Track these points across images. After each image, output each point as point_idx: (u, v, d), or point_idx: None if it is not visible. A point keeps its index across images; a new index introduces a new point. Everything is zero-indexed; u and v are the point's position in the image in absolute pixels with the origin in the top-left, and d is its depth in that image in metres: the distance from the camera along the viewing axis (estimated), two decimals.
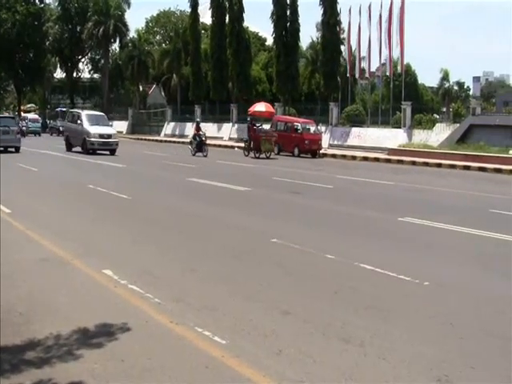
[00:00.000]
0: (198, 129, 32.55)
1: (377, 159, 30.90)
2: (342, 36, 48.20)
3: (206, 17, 58.76)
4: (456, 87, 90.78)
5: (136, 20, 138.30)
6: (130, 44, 68.76)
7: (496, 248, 9.91)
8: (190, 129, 52.92)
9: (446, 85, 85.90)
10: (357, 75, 47.74)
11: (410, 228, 11.49)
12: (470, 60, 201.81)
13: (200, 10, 59.87)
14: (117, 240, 9.68)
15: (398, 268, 7.88)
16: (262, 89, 62.04)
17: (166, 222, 11.58)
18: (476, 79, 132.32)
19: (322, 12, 45.97)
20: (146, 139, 50.62)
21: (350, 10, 44.96)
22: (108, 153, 29.98)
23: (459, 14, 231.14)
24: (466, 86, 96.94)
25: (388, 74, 44.67)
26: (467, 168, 26.56)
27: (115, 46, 73.73)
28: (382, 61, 43.75)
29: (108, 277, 7.25)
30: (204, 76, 56.86)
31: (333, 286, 7.19)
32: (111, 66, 72.42)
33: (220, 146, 41.18)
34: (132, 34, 71.60)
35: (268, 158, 30.68)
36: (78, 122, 31.18)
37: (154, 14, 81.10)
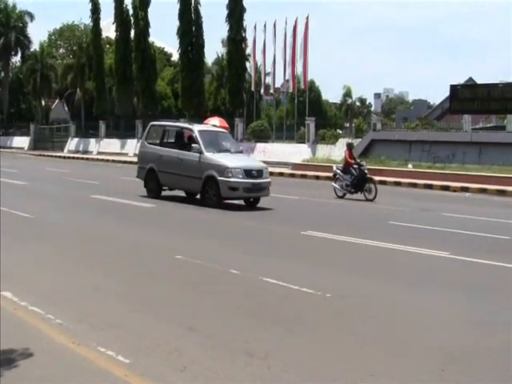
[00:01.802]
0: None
1: (281, 174, 31.36)
2: (247, 52, 48.79)
3: (111, 31, 58.11)
4: (358, 103, 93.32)
5: (39, 32, 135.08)
6: (32, 57, 66.88)
7: (394, 258, 10.29)
8: (94, 145, 52.16)
9: (349, 101, 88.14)
10: (262, 91, 48.50)
11: (312, 241, 11.75)
12: (371, 77, 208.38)
13: (105, 24, 59.23)
14: (17, 260, 9.38)
15: (301, 281, 8.04)
16: (167, 104, 61.82)
17: (68, 240, 11.32)
18: (377, 96, 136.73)
19: (227, 28, 46.46)
20: (48, 155, 49.30)
21: (255, 26, 45.61)
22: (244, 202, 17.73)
23: (362, 32, 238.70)
24: (367, 103, 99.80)
25: (292, 90, 45.55)
26: None
27: (16, 59, 71.67)
28: (287, 77, 44.58)
29: (7, 299, 7.02)
30: (109, 91, 56.16)
31: (237, 301, 7.27)
32: (12, 80, 70.19)
33: (125, 162, 40.65)
34: (35, 46, 69.75)
35: None
36: (194, 145, 17.16)
37: (57, 27, 79.54)
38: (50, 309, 6.60)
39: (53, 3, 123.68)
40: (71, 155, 49.45)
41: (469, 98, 33.47)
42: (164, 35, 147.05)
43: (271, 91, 47.98)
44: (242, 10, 46.01)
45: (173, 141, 18.70)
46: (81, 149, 53.03)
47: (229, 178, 16.32)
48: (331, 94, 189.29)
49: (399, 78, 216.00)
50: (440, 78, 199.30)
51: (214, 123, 34.77)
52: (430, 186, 25.75)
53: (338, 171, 20.31)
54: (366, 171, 19.78)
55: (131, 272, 8.72)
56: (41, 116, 66.24)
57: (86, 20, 62.48)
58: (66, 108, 66.86)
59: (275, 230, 13.17)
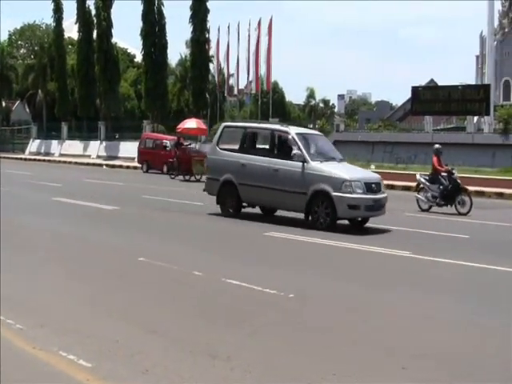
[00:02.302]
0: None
1: None
2: (210, 53, 48.80)
3: (73, 31, 57.56)
4: (322, 104, 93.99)
5: None
6: None
7: (369, 261, 10.38)
8: (56, 146, 51.56)
9: (312, 102, 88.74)
10: (225, 92, 48.49)
11: (274, 242, 11.80)
12: (334, 78, 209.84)
13: (67, 24, 58.63)
14: None
15: (264, 282, 8.06)
16: (130, 106, 61.46)
17: (28, 243, 11.16)
18: (340, 97, 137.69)
19: (191, 29, 46.40)
20: (9, 157, 48.54)
21: (219, 27, 45.74)
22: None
23: (325, 33, 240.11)
24: (331, 104, 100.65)
25: (255, 91, 45.68)
26: None
27: None
28: (250, 78, 44.71)
29: None
30: (71, 92, 55.63)
31: (200, 303, 7.27)
32: None
33: (88, 164, 40.30)
34: None
35: (198, 180, 27.37)
36: (295, 152, 13.78)
37: (18, 27, 78.40)
38: (10, 314, 6.51)
39: (14, 2, 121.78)
40: (32, 157, 48.85)
41: (430, 99, 34.04)
42: (127, 36, 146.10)
43: (235, 92, 48.13)
44: (206, 11, 46.01)
45: (260, 146, 15.40)
46: (42, 151, 52.40)
47: (348, 193, 13.01)
48: (295, 96, 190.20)
49: (362, 79, 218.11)
50: (402, 79, 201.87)
51: (191, 125, 33.05)
52: (392, 187, 26.00)
53: (423, 180, 17.73)
54: (458, 180, 17.14)
55: (93, 275, 8.64)
56: (1, 117, 65.21)
57: (48, 20, 61.85)
58: (28, 109, 66.03)
59: (238, 231, 13.19)
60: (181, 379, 4.96)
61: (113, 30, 50.77)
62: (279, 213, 15.01)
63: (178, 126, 33.27)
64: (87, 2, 51.93)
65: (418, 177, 18.01)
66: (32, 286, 7.93)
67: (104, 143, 47.77)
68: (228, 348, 5.65)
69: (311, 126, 66.24)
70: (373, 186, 13.50)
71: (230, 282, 8.11)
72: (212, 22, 51.32)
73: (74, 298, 7.44)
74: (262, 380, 5.00)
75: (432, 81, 75.12)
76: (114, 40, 52.58)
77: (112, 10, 50.48)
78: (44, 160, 45.25)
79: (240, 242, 11.87)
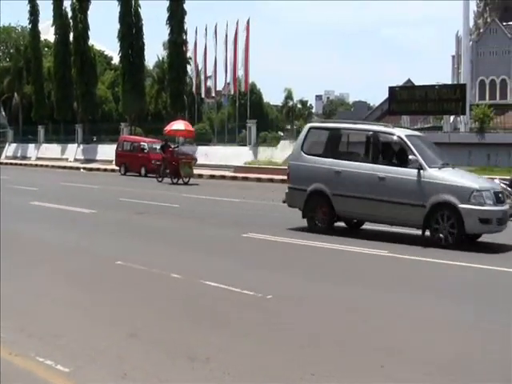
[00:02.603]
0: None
1: (223, 177, 31.46)
2: (188, 55, 48.72)
3: (50, 34, 57.16)
4: (299, 105, 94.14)
5: None
6: None
7: (338, 258, 10.43)
8: (32, 150, 51.17)
9: (290, 103, 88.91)
10: (203, 94, 48.40)
11: (253, 243, 11.82)
12: (312, 79, 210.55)
13: (43, 26, 58.23)
14: None
15: (242, 283, 8.07)
16: (108, 108, 61.13)
17: (6, 247, 11.03)
18: (318, 98, 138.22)
19: (168, 31, 46.30)
20: None
21: (196, 29, 45.67)
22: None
23: (303, 34, 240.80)
24: (308, 104, 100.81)
25: (233, 92, 45.70)
26: None
27: None
28: (228, 80, 44.72)
29: None
30: (47, 95, 55.23)
31: (178, 305, 7.26)
32: None
33: (65, 167, 40.05)
34: None
35: (186, 183, 27.75)
36: (411, 157, 11.96)
37: None
38: None
39: None
40: (9, 161, 48.44)
41: (407, 99, 34.20)
42: (104, 38, 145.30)
43: (213, 94, 48.09)
44: (183, 12, 45.95)
45: (357, 151, 13.47)
46: (19, 154, 51.98)
47: (478, 205, 11.29)
48: (273, 97, 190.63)
49: (340, 80, 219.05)
50: (380, 79, 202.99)
51: (179, 127, 32.23)
52: None
53: (504, 185, 14.92)
54: None
55: (70, 279, 8.60)
56: None
57: (24, 22, 61.41)
58: (4, 113, 65.38)
59: (216, 232, 13.18)
60: (159, 382, 4.95)
61: (89, 32, 50.63)
62: (368, 225, 13.53)
63: (166, 128, 32.65)
64: (64, 4, 51.66)
65: (496, 182, 14.91)
66: (8, 291, 7.85)
67: (81, 146, 47.49)
68: (207, 350, 5.65)
69: (289, 127, 66.49)
70: (499, 195, 11.86)
71: (209, 283, 8.11)
72: (189, 23, 51.44)
73: (51, 301, 7.39)
74: (241, 381, 5.01)
75: (409, 81, 75.59)
76: (90, 42, 52.35)
77: (89, 12, 50.30)
78: (20, 164, 44.88)
79: (218, 244, 11.86)
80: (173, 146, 30.01)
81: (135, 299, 7.58)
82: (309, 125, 14.66)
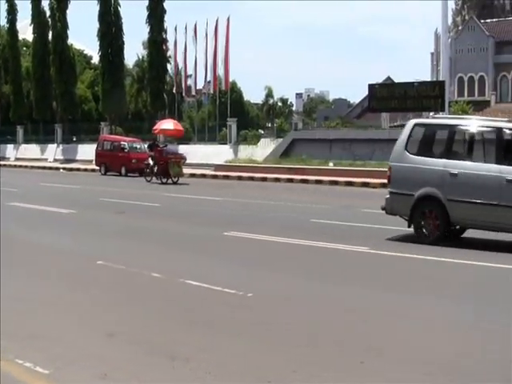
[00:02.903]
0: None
1: (204, 175, 31.43)
2: (168, 54, 48.57)
3: (28, 33, 56.67)
4: (280, 103, 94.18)
5: None
6: None
7: (317, 255, 10.46)
8: (11, 151, 50.74)
9: (271, 101, 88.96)
10: (183, 93, 48.29)
11: (234, 242, 11.81)
12: (292, 77, 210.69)
13: (21, 25, 57.70)
14: None
15: (223, 282, 8.06)
16: (88, 108, 60.71)
17: None
18: (298, 95, 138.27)
19: (148, 30, 46.15)
20: None
21: (176, 27, 45.50)
22: None
23: (282, 32, 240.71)
24: (289, 102, 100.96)
25: (214, 91, 45.64)
26: (291, 181, 27.73)
27: None
28: (208, 78, 44.64)
29: None
30: (26, 95, 54.73)
31: (159, 304, 7.24)
32: None
33: (44, 167, 39.75)
34: None
35: (175, 183, 27.54)
36: None
37: None
38: None
39: None
40: None
41: (386, 96, 34.37)
42: (83, 37, 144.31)
43: (193, 93, 47.97)
44: (163, 11, 45.82)
45: (474, 149, 11.60)
46: None
47: None
48: (253, 95, 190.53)
49: (320, 77, 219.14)
50: (360, 77, 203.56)
51: (168, 126, 31.94)
52: (350, 184, 26.28)
53: None
54: None
55: (51, 279, 8.54)
56: None
57: (1, 21, 60.77)
58: None
59: (197, 231, 13.15)
60: (140, 382, 4.93)
61: (68, 31, 50.23)
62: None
63: (154, 127, 32.39)
64: (42, 2, 51.26)
65: None
66: None
67: (61, 146, 47.18)
68: (187, 349, 5.63)
69: (269, 125, 66.55)
70: None
71: (190, 282, 8.10)
72: (169, 21, 51.27)
73: (30, 302, 7.33)
74: (222, 380, 5.00)
75: (389, 78, 75.88)
76: (69, 41, 51.93)
77: (67, 11, 49.92)
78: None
79: (199, 243, 11.84)
80: (161, 146, 29.64)
81: (116, 299, 7.55)
82: (413, 121, 12.63)
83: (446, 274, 9.14)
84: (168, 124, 32.39)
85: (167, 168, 27.47)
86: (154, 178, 27.83)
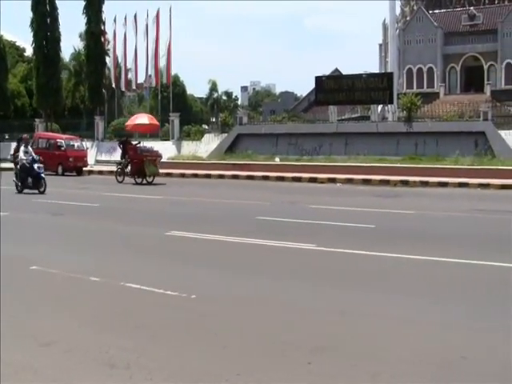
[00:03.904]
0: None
1: None
2: (107, 46, 47.97)
3: None
4: (224, 97, 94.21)
5: None
6: None
7: (263, 254, 10.48)
8: None
9: (215, 95, 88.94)
10: (123, 87, 47.80)
11: (177, 242, 11.76)
12: (237, 70, 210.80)
13: None
14: None
15: (165, 284, 8.01)
16: (21, 103, 59.43)
17: None
18: (244, 89, 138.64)
19: (85, 21, 45.51)
20: None
21: (115, 19, 44.98)
22: None
23: (227, 24, 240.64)
24: (234, 96, 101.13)
25: (155, 85, 45.29)
26: (236, 177, 27.77)
27: None
28: (149, 72, 44.28)
29: None
30: None
31: (97, 310, 7.13)
32: None
33: None
34: None
35: (151, 183, 26.72)
36: None
37: None
38: None
39: None
40: None
41: (334, 89, 34.72)
42: (15, 28, 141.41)
43: (133, 87, 47.58)
44: (101, 1, 45.25)
45: None
46: None
47: None
48: (197, 89, 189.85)
49: (266, 70, 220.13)
50: (307, 69, 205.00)
51: (143, 121, 30.43)
52: (298, 179, 26.48)
53: None
54: None
55: None
56: None
57: None
58: None
59: (138, 231, 13.04)
60: None
61: None
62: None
63: (127, 123, 31.25)
64: None
65: None
66: None
67: None
68: (127, 355, 5.57)
69: (214, 120, 66.46)
70: None
71: (130, 285, 8.02)
72: (108, 12, 50.74)
73: None
74: None
75: (336, 70, 76.69)
76: (0, 32, 50.89)
77: None
78: None
79: (140, 243, 11.73)
80: (134, 143, 28.73)
81: (51, 305, 7.41)
82: None
83: (398, 269, 9.27)
84: (142, 119, 31.24)
85: (142, 167, 26.54)
86: (126, 178, 27.03)
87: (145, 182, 26.62)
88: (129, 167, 27.27)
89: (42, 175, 20.98)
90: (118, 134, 40.47)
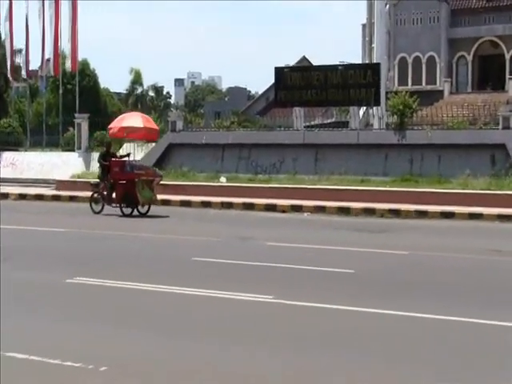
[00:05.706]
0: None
1: (40, 197, 30.80)
2: None
3: None
4: (152, 93, 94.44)
5: None
6: None
7: (199, 309, 10.51)
8: None
9: (139, 90, 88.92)
10: (9, 75, 47.32)
11: (82, 292, 11.76)
12: (170, 58, 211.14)
13: None
14: None
15: (65, 352, 8.00)
16: None
17: None
18: (179, 82, 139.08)
19: None
20: None
21: None
22: None
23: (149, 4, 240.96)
24: (165, 92, 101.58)
25: (55, 73, 45.00)
26: (167, 203, 27.49)
27: None
28: (47, 56, 43.88)
29: None
30: None
31: None
32: None
33: None
34: None
35: (145, 214, 24.36)
36: None
37: None
38: None
39: None
40: None
41: (300, 84, 34.70)
42: None
43: (24, 75, 47.22)
44: None
45: None
46: None
47: None
48: (115, 82, 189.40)
49: (209, 59, 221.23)
50: (264, 57, 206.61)
51: (134, 123, 27.02)
52: (250, 206, 26.57)
53: None
54: None
55: None
56: None
57: None
58: None
59: (31, 278, 12.89)
60: None
61: None
62: None
63: (110, 126, 28.44)
64: None
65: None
66: None
67: None
68: None
69: None
70: None
71: (13, 355, 7.91)
72: None
73: None
74: None
75: (304, 59, 77.59)
76: None
77: None
78: None
79: (31, 296, 11.62)
80: (122, 155, 26.64)
81: None
82: None
83: (381, 330, 9.38)
84: (133, 120, 28.21)
85: (133, 191, 23.86)
86: (105, 208, 24.53)
87: (136, 212, 24.30)
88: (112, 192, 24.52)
89: None
90: (2, 141, 40.03)
